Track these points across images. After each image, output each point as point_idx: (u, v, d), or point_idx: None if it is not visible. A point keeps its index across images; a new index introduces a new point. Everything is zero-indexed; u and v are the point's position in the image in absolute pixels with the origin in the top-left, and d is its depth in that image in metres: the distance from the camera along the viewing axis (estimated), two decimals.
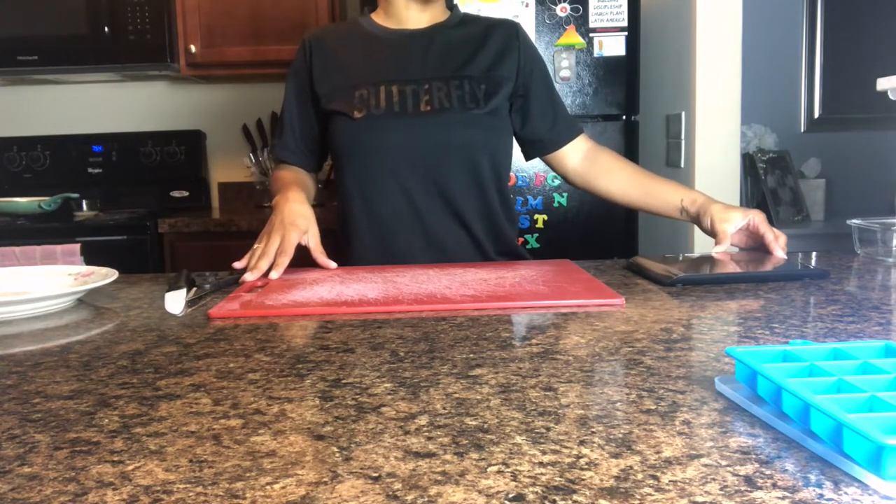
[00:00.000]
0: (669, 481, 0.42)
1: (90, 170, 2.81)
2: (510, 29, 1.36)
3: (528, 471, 0.43)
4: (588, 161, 1.39)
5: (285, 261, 1.09)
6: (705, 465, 0.44)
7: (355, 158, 1.29)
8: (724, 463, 0.44)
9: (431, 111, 1.27)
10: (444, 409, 0.54)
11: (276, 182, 1.33)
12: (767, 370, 0.51)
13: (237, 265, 1.11)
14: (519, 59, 1.34)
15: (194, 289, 1.01)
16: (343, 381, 0.62)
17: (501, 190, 1.34)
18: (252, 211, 2.67)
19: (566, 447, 0.47)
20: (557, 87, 1.82)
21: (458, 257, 1.29)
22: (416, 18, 1.36)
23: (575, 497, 0.40)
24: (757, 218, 1.19)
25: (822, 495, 0.40)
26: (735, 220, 1.21)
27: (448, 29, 1.36)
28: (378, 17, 1.39)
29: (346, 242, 1.34)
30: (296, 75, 1.37)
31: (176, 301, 0.94)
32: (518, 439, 0.48)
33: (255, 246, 1.13)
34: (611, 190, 1.38)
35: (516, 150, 1.43)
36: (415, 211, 1.28)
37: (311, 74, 1.35)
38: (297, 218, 1.15)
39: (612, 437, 0.48)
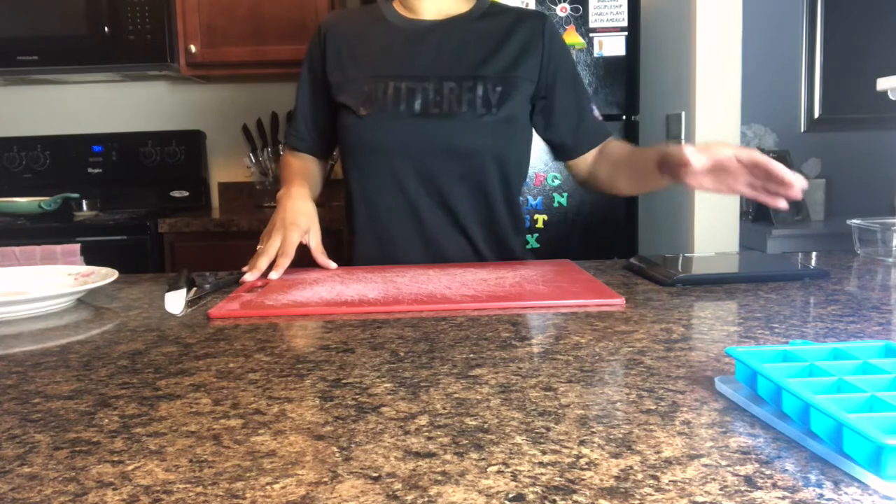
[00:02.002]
0: (669, 481, 0.42)
1: (90, 170, 2.82)
2: (537, 24, 1.27)
3: (528, 471, 0.43)
4: (595, 162, 1.32)
5: (286, 262, 1.08)
6: (705, 465, 0.44)
7: (358, 156, 1.26)
8: (724, 463, 0.44)
9: (439, 114, 1.22)
10: (444, 409, 0.54)
11: (283, 168, 1.33)
12: (767, 370, 0.51)
13: (246, 274, 1.07)
14: (542, 57, 1.26)
15: (194, 289, 1.01)
16: (343, 381, 0.62)
17: (510, 199, 1.29)
18: (252, 211, 2.67)
19: (566, 447, 0.47)
20: None
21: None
22: (428, 9, 1.29)
23: (575, 497, 0.40)
24: (746, 154, 0.93)
25: (822, 495, 0.40)
26: (712, 148, 0.95)
27: (469, 21, 1.28)
28: (397, 5, 1.32)
29: (351, 239, 1.33)
30: (309, 62, 1.34)
31: (176, 301, 0.94)
32: (518, 439, 0.48)
33: (259, 247, 1.13)
34: (612, 180, 1.28)
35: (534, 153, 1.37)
36: (414, 214, 1.25)
37: (324, 62, 1.31)
38: (298, 216, 1.15)
39: (612, 437, 0.48)
